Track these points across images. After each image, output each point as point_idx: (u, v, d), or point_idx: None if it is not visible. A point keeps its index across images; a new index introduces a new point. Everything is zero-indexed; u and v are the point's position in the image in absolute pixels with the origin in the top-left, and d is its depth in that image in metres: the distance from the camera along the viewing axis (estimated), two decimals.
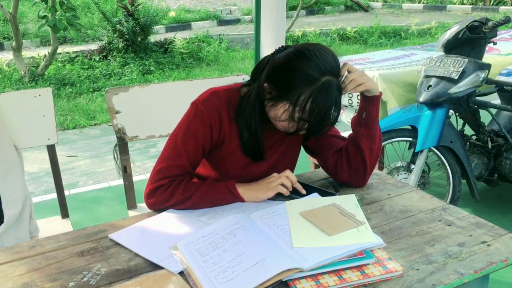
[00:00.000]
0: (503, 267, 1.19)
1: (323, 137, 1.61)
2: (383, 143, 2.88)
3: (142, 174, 3.99)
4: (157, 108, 2.14)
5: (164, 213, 1.45)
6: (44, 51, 7.36)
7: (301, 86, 1.34)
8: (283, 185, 1.46)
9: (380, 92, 1.54)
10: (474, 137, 3.07)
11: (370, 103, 1.53)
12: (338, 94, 1.38)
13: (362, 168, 1.56)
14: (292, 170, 1.67)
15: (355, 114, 1.60)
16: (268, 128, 1.52)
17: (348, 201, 1.40)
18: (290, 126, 1.42)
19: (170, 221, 1.40)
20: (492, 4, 12.21)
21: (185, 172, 1.48)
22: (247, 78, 1.55)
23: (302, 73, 1.34)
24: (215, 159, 1.57)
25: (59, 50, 7.12)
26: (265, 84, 1.42)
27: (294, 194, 1.47)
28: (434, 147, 2.79)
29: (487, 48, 2.87)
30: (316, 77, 1.33)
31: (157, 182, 1.46)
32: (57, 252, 1.27)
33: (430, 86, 2.76)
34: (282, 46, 1.48)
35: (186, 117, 1.49)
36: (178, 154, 1.46)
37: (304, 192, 1.48)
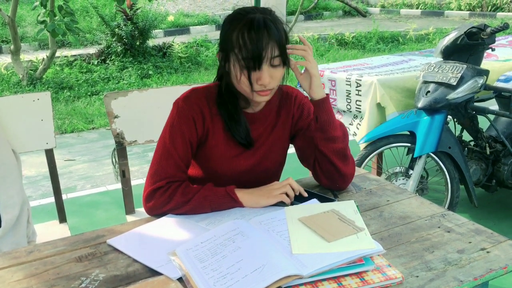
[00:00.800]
0: (503, 274, 1.19)
1: (308, 137, 1.61)
2: (381, 149, 2.89)
3: (140, 178, 3.98)
4: (156, 112, 2.13)
5: (162, 218, 1.44)
6: (43, 54, 7.36)
7: (232, 31, 1.41)
8: (286, 194, 1.46)
9: (327, 94, 1.55)
10: (472, 143, 3.08)
11: (318, 108, 1.53)
12: (271, 24, 1.40)
13: (333, 170, 1.56)
14: (280, 168, 1.69)
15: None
16: (253, 121, 1.56)
17: (347, 207, 1.39)
18: (250, 79, 1.41)
19: (169, 227, 1.39)
20: (490, 10, 12.27)
21: (179, 169, 1.50)
22: None
23: (230, 20, 1.44)
24: (201, 156, 1.58)
25: (57, 54, 7.13)
26: (217, 54, 1.50)
27: (294, 200, 1.47)
28: (433, 152, 2.79)
29: (485, 54, 2.88)
30: (241, 17, 1.42)
31: (155, 184, 1.46)
32: (55, 257, 1.27)
33: (428, 92, 2.76)
34: None
35: (170, 117, 1.53)
36: (169, 153, 1.49)
37: (306, 194, 1.48)
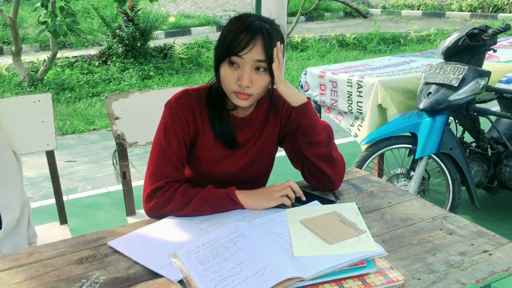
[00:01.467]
0: (505, 277, 1.19)
1: (296, 140, 1.61)
2: (383, 150, 2.88)
3: (141, 180, 3.97)
4: (157, 114, 2.11)
5: (163, 220, 1.44)
6: (44, 55, 7.36)
7: (229, 29, 1.44)
8: (287, 196, 1.46)
9: (308, 98, 1.55)
10: (473, 144, 3.07)
11: (298, 114, 1.54)
12: (265, 32, 1.41)
13: (320, 173, 1.57)
14: (268, 171, 1.71)
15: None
16: (242, 125, 1.57)
17: (348, 209, 1.39)
18: (236, 73, 1.42)
19: (170, 229, 1.39)
20: (491, 11, 12.25)
21: (176, 169, 1.50)
22: None
23: (232, 21, 1.47)
24: (190, 157, 1.59)
25: (58, 55, 7.13)
26: (214, 51, 1.52)
27: (295, 201, 1.47)
28: (434, 154, 2.78)
29: (486, 55, 2.88)
30: (242, 19, 1.44)
31: (154, 184, 1.47)
32: (56, 259, 1.26)
33: (430, 93, 2.76)
34: None
35: (163, 118, 1.55)
36: (164, 153, 1.50)
37: (304, 198, 1.48)
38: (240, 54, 1.40)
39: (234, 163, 1.60)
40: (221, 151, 1.58)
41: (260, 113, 1.61)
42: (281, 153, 1.68)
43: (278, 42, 1.43)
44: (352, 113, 3.27)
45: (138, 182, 3.87)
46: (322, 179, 1.58)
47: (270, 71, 1.44)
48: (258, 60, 1.41)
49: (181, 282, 1.14)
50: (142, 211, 2.04)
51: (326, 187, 1.61)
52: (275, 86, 1.50)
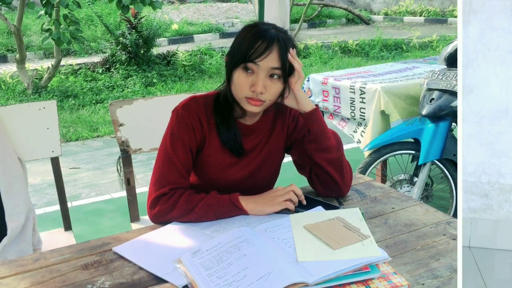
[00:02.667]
0: None
1: (303, 147, 1.61)
2: (386, 156, 2.88)
3: (145, 186, 3.98)
4: (161, 120, 2.13)
5: (168, 226, 1.44)
6: (48, 63, 7.41)
7: (244, 36, 1.45)
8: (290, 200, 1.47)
9: (317, 105, 1.56)
10: None
11: (309, 120, 1.54)
12: (281, 40, 1.43)
13: (329, 179, 1.57)
14: (274, 178, 1.71)
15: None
16: (249, 133, 1.58)
17: (352, 214, 1.39)
18: (250, 79, 1.43)
19: (174, 234, 1.40)
20: None
21: (181, 176, 1.51)
22: None
23: (246, 28, 1.48)
24: (196, 164, 1.60)
25: (62, 62, 7.17)
26: (225, 58, 1.52)
27: (299, 207, 1.47)
28: (437, 160, 2.79)
29: None
30: (257, 27, 1.46)
31: (159, 191, 1.47)
32: (61, 265, 1.27)
33: (432, 99, 2.77)
34: None
35: (170, 124, 1.55)
36: (170, 160, 1.50)
37: (305, 202, 1.49)
38: (256, 61, 1.41)
39: (240, 170, 1.60)
40: (227, 158, 1.58)
41: (267, 120, 1.62)
42: (285, 159, 1.69)
43: (291, 48, 1.46)
44: (355, 119, 3.28)
45: (142, 188, 3.88)
46: (330, 185, 1.58)
47: (283, 79, 1.46)
48: (274, 68, 1.43)
49: (185, 287, 1.14)
50: (146, 217, 2.05)
51: (333, 193, 1.60)
52: (289, 91, 1.52)
